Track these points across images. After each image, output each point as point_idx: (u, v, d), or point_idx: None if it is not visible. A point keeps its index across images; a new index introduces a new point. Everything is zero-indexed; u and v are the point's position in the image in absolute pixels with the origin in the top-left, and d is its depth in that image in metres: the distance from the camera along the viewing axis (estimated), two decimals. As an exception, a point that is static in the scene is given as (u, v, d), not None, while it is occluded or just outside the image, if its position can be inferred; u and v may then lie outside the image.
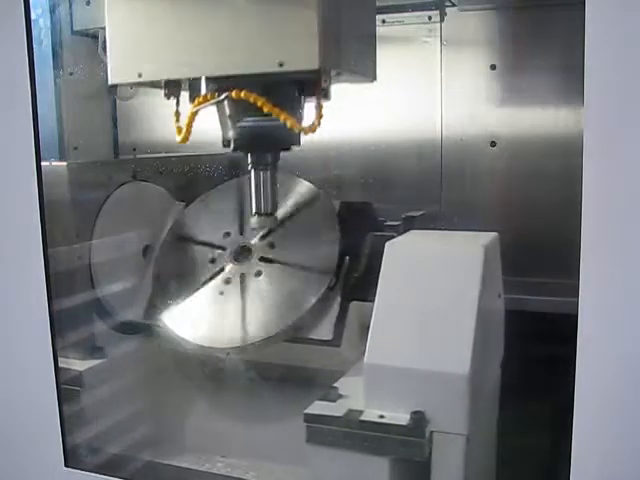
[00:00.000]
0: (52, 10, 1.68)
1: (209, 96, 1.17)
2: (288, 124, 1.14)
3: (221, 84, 1.15)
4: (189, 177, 1.71)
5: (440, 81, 1.75)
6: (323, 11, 1.03)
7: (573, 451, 0.88)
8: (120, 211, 1.56)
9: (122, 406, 1.50)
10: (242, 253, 1.55)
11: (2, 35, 1.17)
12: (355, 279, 1.44)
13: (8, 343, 1.29)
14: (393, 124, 1.80)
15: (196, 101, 1.18)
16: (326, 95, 1.18)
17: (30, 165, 1.19)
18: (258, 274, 1.49)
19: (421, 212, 1.60)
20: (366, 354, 1.16)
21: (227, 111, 1.21)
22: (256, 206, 1.30)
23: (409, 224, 1.50)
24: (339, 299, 1.43)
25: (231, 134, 1.24)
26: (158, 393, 1.58)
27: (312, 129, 1.18)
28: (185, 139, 1.21)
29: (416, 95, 1.78)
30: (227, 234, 1.58)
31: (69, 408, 1.32)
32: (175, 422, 1.61)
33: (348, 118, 1.72)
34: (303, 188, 1.58)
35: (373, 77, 1.29)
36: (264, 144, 1.26)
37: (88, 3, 1.74)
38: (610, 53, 0.82)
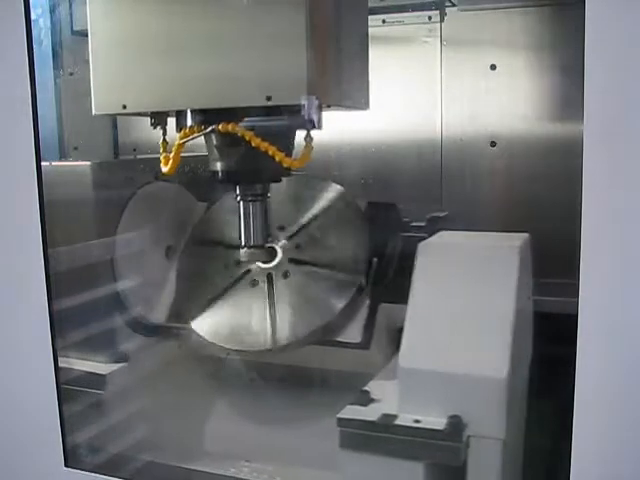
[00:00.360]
0: (52, 10, 1.68)
1: (196, 128, 1.14)
2: (277, 158, 1.11)
3: (208, 116, 1.12)
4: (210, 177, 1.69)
5: (440, 81, 1.75)
6: (312, 45, 1.01)
7: (573, 451, 0.88)
8: (142, 212, 1.54)
9: (146, 410, 1.48)
10: (269, 254, 1.51)
11: (2, 35, 1.17)
12: (384, 281, 1.42)
13: (8, 343, 1.29)
14: (393, 124, 1.80)
15: (182, 132, 1.16)
16: (317, 126, 1.15)
17: (30, 165, 1.19)
18: (285, 275, 1.47)
19: (444, 213, 1.59)
20: (400, 357, 1.14)
21: (214, 142, 1.18)
22: (245, 238, 1.26)
23: (434, 225, 1.48)
24: (368, 301, 1.41)
25: (218, 166, 1.21)
26: (184, 397, 1.55)
27: (301, 162, 1.16)
28: (172, 169, 1.18)
29: (416, 95, 1.78)
30: None
31: (91, 411, 1.33)
32: (201, 426, 1.58)
33: (348, 118, 1.72)
34: (328, 188, 1.55)
35: (365, 106, 1.26)
36: (253, 175, 1.23)
37: (88, 3, 1.74)
38: (610, 53, 0.82)
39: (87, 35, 1.62)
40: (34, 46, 1.17)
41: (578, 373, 0.87)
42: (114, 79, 1.14)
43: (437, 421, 1.08)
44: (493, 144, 1.72)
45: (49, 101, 1.70)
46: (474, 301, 1.14)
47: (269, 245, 1.49)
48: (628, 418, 0.87)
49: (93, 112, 1.17)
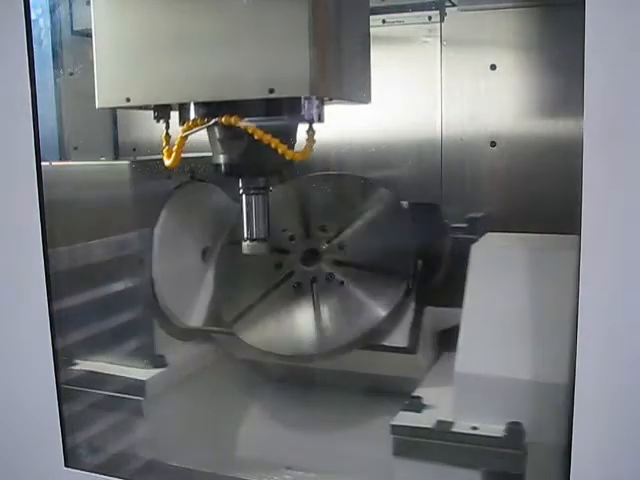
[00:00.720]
0: (52, 10, 1.68)
1: (199, 121, 1.14)
2: (279, 151, 1.11)
3: (211, 109, 1.13)
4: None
5: (440, 81, 1.74)
6: (315, 39, 1.01)
7: (573, 451, 0.88)
8: (180, 212, 1.50)
9: (189, 417, 1.46)
10: (310, 256, 1.48)
11: (2, 35, 1.17)
12: (430, 283, 1.38)
13: (8, 343, 1.29)
14: (393, 124, 1.80)
15: (185, 125, 1.16)
16: (319, 119, 1.16)
17: (30, 165, 1.19)
18: (330, 277, 1.43)
19: (482, 213, 1.57)
20: (456, 362, 1.12)
21: (217, 135, 1.18)
22: (248, 232, 1.26)
23: (475, 226, 1.46)
24: (413, 304, 1.37)
25: (221, 159, 1.21)
26: (228, 402, 1.54)
27: (303, 155, 1.16)
28: (174, 163, 1.18)
29: (416, 95, 1.78)
30: (291, 238, 1.52)
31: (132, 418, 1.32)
32: (248, 432, 1.56)
33: (347, 119, 1.72)
34: (369, 189, 1.51)
35: (367, 100, 1.25)
36: (255, 169, 1.23)
37: (88, 3, 1.73)
38: (610, 53, 0.82)
39: (87, 35, 1.62)
40: (34, 46, 1.17)
41: (578, 373, 0.87)
42: (118, 72, 1.14)
43: (495, 427, 1.06)
44: (493, 144, 1.72)
45: (49, 101, 1.70)
46: (532, 304, 1.11)
47: (310, 247, 1.48)
48: (628, 418, 0.87)
49: (97, 106, 1.16)
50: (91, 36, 1.77)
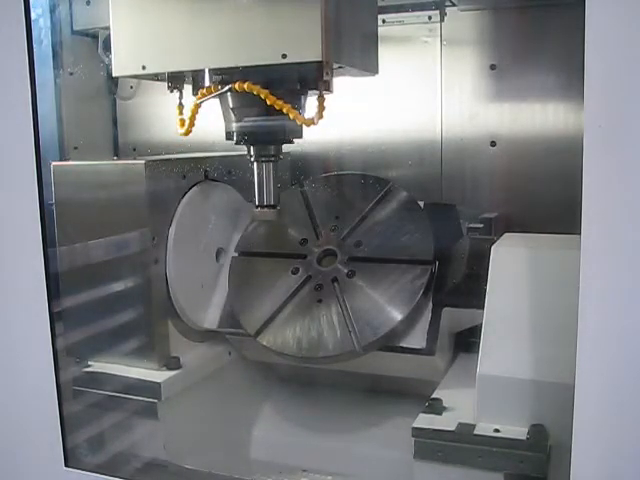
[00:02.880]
0: (52, 10, 1.68)
1: (213, 88, 1.17)
2: (291, 116, 1.14)
3: (225, 76, 1.16)
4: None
5: (440, 81, 1.74)
6: (326, 5, 1.05)
7: (573, 451, 0.88)
8: (194, 212, 1.48)
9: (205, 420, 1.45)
10: (326, 257, 1.46)
11: (2, 35, 1.17)
12: (447, 284, 1.36)
13: (8, 343, 1.29)
14: (393, 124, 1.80)
15: (200, 93, 1.18)
16: (328, 88, 1.19)
17: (30, 165, 1.19)
18: (351, 275, 1.40)
19: (495, 214, 1.57)
20: (479, 364, 1.11)
21: (230, 104, 1.21)
22: (259, 198, 1.29)
23: (489, 226, 1.46)
24: (431, 305, 1.34)
25: (234, 127, 1.24)
26: (242, 405, 1.53)
27: (314, 121, 1.19)
28: (188, 132, 1.21)
29: (416, 95, 1.77)
30: (304, 241, 1.49)
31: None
32: (266, 434, 1.55)
33: (347, 119, 1.72)
34: (386, 188, 1.48)
35: (375, 71, 1.29)
36: (267, 137, 1.26)
37: (88, 3, 1.74)
38: (610, 53, 0.82)
39: (87, 35, 1.62)
40: (34, 46, 1.17)
41: (578, 373, 0.86)
42: (134, 41, 1.17)
43: (517, 430, 1.05)
44: (493, 144, 1.72)
45: (49, 101, 1.69)
46: (554, 305, 1.09)
47: (326, 248, 1.45)
48: (628, 418, 0.87)
49: (113, 74, 1.20)
50: (91, 36, 1.78)
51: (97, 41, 1.80)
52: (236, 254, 1.55)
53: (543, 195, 1.64)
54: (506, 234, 1.32)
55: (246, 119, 1.22)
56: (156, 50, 1.16)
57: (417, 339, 1.31)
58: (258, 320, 1.41)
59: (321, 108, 1.19)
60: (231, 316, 1.47)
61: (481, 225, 1.51)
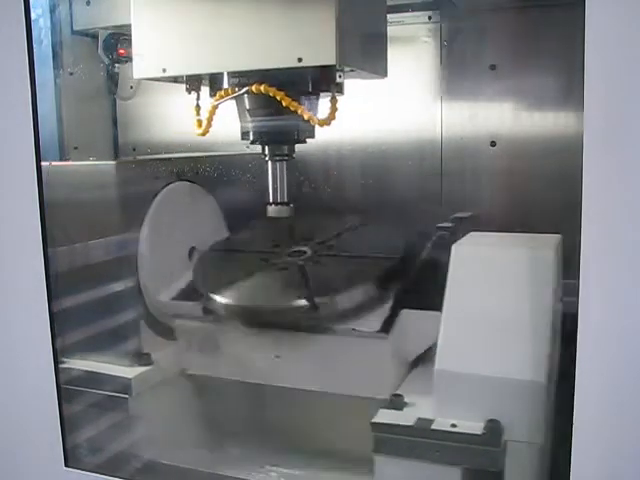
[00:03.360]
0: (52, 10, 1.68)
1: (230, 90, 1.21)
2: (305, 117, 1.19)
3: (241, 79, 1.20)
4: (230, 178, 1.67)
5: (440, 81, 1.75)
6: (340, 10, 1.09)
7: (573, 451, 0.88)
8: (167, 212, 1.53)
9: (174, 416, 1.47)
10: (297, 253, 1.54)
11: (2, 35, 1.17)
12: (409, 283, 1.40)
13: (8, 343, 1.29)
14: (393, 124, 1.80)
15: (217, 95, 1.23)
16: (340, 90, 1.24)
17: (30, 165, 1.19)
18: (316, 263, 1.48)
19: (469, 213, 1.61)
20: (437, 360, 1.12)
21: (246, 105, 1.26)
22: (272, 196, 1.33)
23: (459, 226, 1.49)
24: (391, 302, 1.38)
25: (250, 127, 1.29)
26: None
27: (327, 122, 1.22)
28: (205, 132, 1.25)
29: (416, 95, 1.78)
30: (276, 246, 1.58)
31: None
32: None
33: (347, 118, 1.72)
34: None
35: (384, 74, 1.33)
36: (281, 137, 1.31)
37: (88, 3, 1.74)
38: (610, 53, 0.82)
39: (87, 35, 1.63)
40: (34, 46, 1.17)
41: (578, 373, 0.87)
42: (155, 45, 1.21)
43: (474, 425, 1.06)
44: (493, 144, 1.72)
45: (49, 101, 1.70)
46: (511, 303, 1.12)
47: (297, 248, 1.54)
48: (628, 418, 0.87)
49: (134, 76, 1.23)
50: (91, 36, 1.78)
51: (97, 41, 1.80)
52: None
53: (542, 195, 1.64)
54: (471, 233, 1.33)
55: (261, 119, 1.27)
56: (176, 54, 1.20)
57: (371, 323, 1.33)
58: (216, 286, 1.46)
59: (333, 109, 1.23)
60: (187, 293, 1.52)
61: (450, 224, 1.53)
